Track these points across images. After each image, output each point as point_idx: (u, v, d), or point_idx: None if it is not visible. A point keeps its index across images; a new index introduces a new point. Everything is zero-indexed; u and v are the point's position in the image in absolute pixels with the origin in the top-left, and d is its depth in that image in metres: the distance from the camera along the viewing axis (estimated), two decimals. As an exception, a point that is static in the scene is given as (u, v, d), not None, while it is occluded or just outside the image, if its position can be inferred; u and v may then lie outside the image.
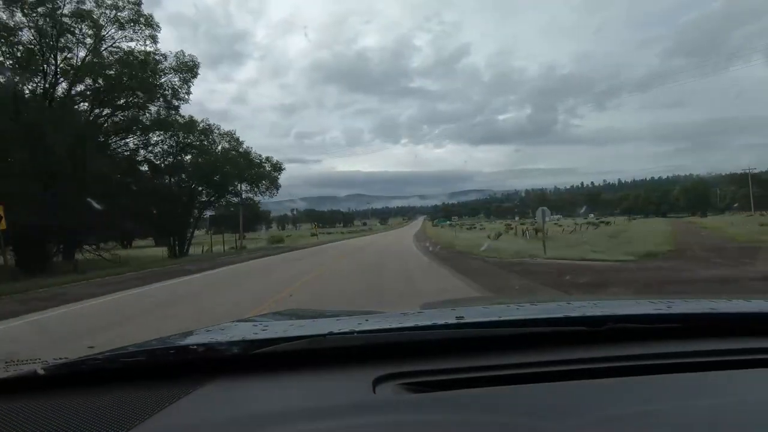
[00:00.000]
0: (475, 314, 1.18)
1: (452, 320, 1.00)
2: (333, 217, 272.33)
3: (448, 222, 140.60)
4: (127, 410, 0.74)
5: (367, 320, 1.10)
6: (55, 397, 0.81)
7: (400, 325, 1.02)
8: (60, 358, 0.91)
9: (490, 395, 0.76)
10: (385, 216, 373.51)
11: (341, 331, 0.95)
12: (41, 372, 0.84)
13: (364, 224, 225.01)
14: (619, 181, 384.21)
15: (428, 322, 1.03)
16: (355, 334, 0.95)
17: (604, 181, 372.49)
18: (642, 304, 1.28)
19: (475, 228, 77.08)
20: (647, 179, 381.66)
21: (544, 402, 0.73)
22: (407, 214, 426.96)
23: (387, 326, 1.03)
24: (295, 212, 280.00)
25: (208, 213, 33.00)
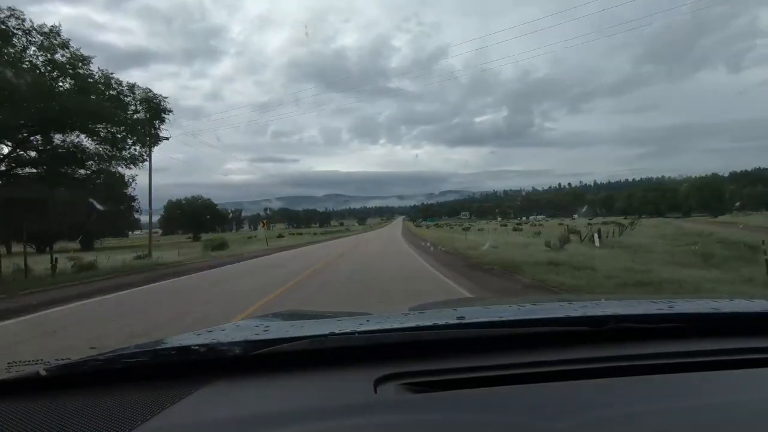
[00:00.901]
0: (476, 314, 1.14)
1: (453, 320, 0.99)
2: (309, 216, 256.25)
3: (433, 222, 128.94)
4: (129, 411, 0.73)
5: (368, 321, 1.08)
6: (57, 398, 0.80)
7: (401, 326, 1.00)
8: (62, 359, 0.90)
9: (492, 395, 0.75)
10: (363, 216, 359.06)
11: (342, 331, 0.94)
12: (43, 373, 0.83)
13: (341, 224, 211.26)
14: (595, 182, 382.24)
15: (429, 323, 1.02)
16: (357, 334, 0.93)
17: (581, 182, 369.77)
18: (644, 304, 1.24)
19: (470, 229, 64.35)
20: (622, 181, 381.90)
21: (546, 402, 0.72)
22: (385, 214, 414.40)
23: (388, 326, 1.01)
24: (268, 211, 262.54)
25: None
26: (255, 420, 0.69)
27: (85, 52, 14.27)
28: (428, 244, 24.40)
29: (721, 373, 0.83)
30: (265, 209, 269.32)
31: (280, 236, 75.52)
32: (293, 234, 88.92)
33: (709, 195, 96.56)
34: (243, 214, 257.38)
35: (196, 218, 78.31)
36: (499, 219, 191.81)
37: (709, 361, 0.87)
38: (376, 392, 0.77)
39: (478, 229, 62.87)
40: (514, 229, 48.98)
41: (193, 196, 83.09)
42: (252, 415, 0.71)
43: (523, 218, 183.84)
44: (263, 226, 30.51)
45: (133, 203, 74.51)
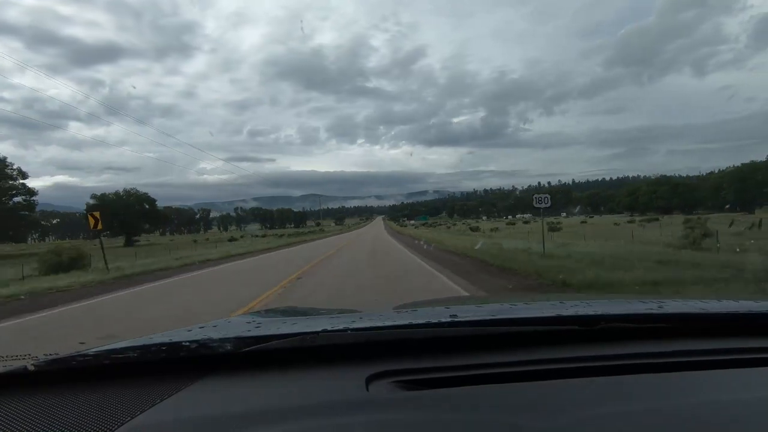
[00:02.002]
0: (468, 313, 1.12)
1: (446, 318, 0.97)
2: (283, 216, 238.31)
3: (426, 220, 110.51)
4: (118, 406, 0.72)
5: (360, 318, 1.06)
6: (45, 393, 0.79)
7: (393, 323, 0.99)
8: (50, 354, 0.87)
9: (484, 393, 0.75)
10: (341, 216, 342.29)
11: (335, 328, 0.92)
12: (31, 368, 0.81)
13: (318, 224, 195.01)
14: (573, 181, 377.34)
15: (422, 321, 0.99)
16: (349, 331, 0.92)
17: (560, 181, 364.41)
18: (634, 304, 1.24)
19: (479, 229, 49.87)
20: (599, 180, 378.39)
21: (537, 400, 0.72)
22: (364, 214, 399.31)
23: (380, 324, 0.99)
24: (240, 211, 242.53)
25: None
26: (246, 417, 0.68)
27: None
28: (485, 272, 9.35)
29: (709, 372, 0.83)
30: (236, 208, 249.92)
31: (232, 239, 59.63)
32: (257, 236, 72.64)
33: (754, 186, 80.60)
34: (212, 214, 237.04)
35: (128, 217, 61.27)
36: (484, 218, 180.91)
37: (696, 360, 0.87)
38: (368, 390, 0.76)
39: (491, 230, 48.59)
40: (552, 230, 34.68)
41: (125, 190, 65.91)
42: (243, 412, 0.70)
43: (510, 217, 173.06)
44: (93, 227, 14.03)
45: (30, 198, 57.47)
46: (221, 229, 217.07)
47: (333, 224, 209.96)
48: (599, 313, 1.01)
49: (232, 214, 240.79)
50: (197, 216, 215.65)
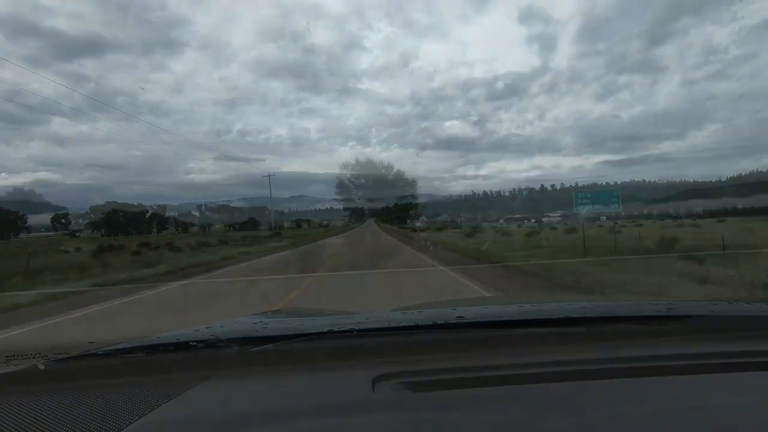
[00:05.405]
0: (475, 314, 1.10)
1: (452, 320, 0.95)
2: (258, 216, 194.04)
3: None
4: (127, 405, 0.72)
5: (367, 319, 1.04)
6: (54, 392, 0.78)
7: (400, 324, 0.97)
8: (60, 354, 0.87)
9: (490, 395, 0.73)
10: (328, 217, 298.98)
11: (341, 329, 0.91)
12: (42, 367, 0.81)
13: (299, 226, 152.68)
14: (577, 184, 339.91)
15: (428, 322, 0.97)
16: (355, 332, 0.91)
17: (563, 184, 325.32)
18: (642, 306, 1.21)
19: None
20: (603, 183, 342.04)
21: (543, 402, 0.70)
22: (354, 215, 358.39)
23: (387, 325, 0.97)
24: (203, 208, 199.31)
25: None
26: (252, 416, 0.67)
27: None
28: None
29: (719, 375, 0.80)
30: (199, 206, 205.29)
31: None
32: (158, 248, 30.92)
33: None
34: (170, 212, 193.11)
35: None
36: (501, 221, 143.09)
37: (706, 363, 0.84)
38: (373, 391, 0.75)
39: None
40: None
41: None
42: (250, 412, 0.69)
43: (532, 219, 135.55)
44: None
45: None
46: (179, 230, 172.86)
47: (307, 225, 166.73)
48: (607, 314, 0.99)
49: (194, 213, 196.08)
50: (148, 214, 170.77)
